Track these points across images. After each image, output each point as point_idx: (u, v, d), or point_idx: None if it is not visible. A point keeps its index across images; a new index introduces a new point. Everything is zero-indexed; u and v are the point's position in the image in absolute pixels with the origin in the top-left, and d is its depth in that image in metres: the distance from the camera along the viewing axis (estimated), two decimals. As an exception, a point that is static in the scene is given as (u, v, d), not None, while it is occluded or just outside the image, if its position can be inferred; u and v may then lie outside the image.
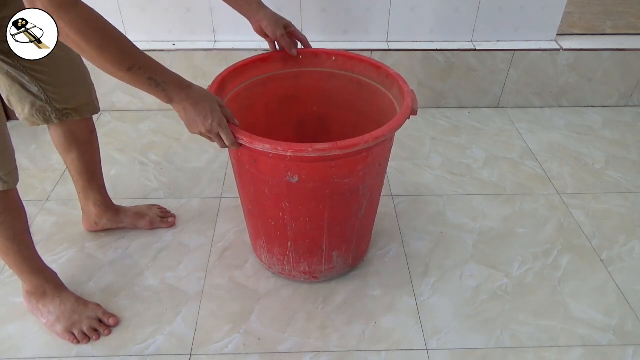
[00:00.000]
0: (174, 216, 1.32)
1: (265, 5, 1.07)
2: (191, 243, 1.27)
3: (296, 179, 0.90)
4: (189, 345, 1.03)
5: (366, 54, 1.66)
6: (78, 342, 1.02)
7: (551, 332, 1.07)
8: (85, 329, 1.03)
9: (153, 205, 1.32)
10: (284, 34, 1.07)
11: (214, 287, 1.15)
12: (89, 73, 1.08)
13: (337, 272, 1.16)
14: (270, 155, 0.86)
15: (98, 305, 1.08)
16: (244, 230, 1.27)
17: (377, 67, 1.08)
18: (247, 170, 0.95)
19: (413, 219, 1.35)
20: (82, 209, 1.25)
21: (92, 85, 1.10)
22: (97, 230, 1.28)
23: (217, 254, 1.24)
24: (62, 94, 1.01)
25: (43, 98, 0.99)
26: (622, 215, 1.38)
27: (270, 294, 1.14)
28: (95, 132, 1.16)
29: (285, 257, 1.10)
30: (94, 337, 1.03)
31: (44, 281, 1.03)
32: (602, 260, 1.24)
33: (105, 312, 1.07)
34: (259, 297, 1.13)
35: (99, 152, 1.19)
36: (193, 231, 1.30)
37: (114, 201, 1.28)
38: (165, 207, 1.35)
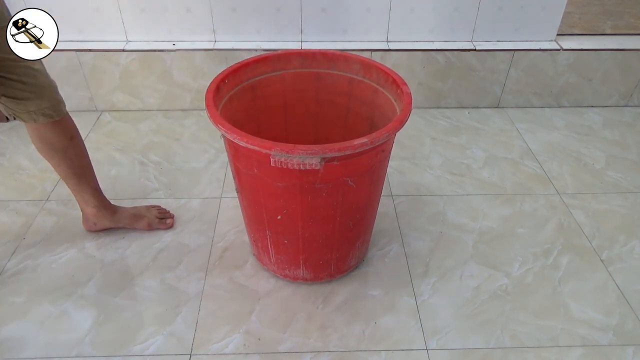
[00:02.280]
0: (172, 217, 1.32)
1: None
2: (191, 243, 1.27)
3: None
4: (189, 345, 1.03)
5: (366, 54, 1.68)
6: None
7: (551, 332, 1.07)
8: None
9: (152, 206, 1.32)
10: None
11: (214, 287, 1.15)
12: (46, 76, 1.01)
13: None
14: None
15: None
16: (244, 230, 1.27)
17: (368, 65, 1.08)
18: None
19: (413, 219, 1.35)
20: (80, 209, 1.25)
21: (54, 87, 1.03)
22: (97, 230, 1.28)
23: (217, 254, 1.24)
24: (7, 93, 0.96)
25: None
26: (622, 215, 1.38)
27: (270, 294, 1.14)
28: (77, 137, 1.12)
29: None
30: None
31: None
32: (602, 260, 1.24)
33: None
34: (259, 297, 1.13)
35: (86, 157, 1.16)
36: (193, 231, 1.30)
37: (114, 201, 1.27)
38: (165, 207, 1.35)
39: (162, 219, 1.29)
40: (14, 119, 1.02)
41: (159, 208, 1.32)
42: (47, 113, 1.02)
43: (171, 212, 1.34)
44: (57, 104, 1.04)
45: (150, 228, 1.28)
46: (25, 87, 0.96)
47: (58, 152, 1.10)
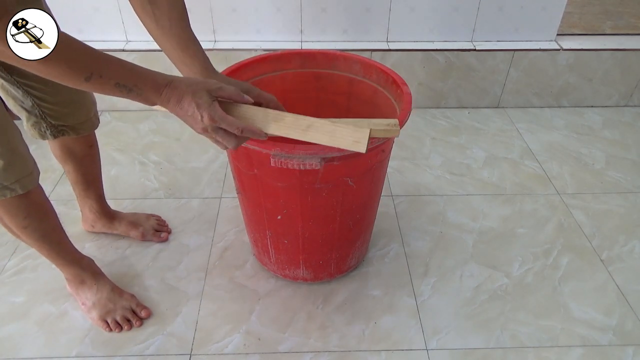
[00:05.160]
0: (168, 232, 1.29)
1: (217, 73, 0.88)
2: (191, 243, 1.27)
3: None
4: (189, 345, 1.03)
5: (366, 54, 1.68)
6: (111, 330, 1.05)
7: (551, 332, 1.07)
8: (118, 318, 1.05)
9: (152, 216, 1.30)
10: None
11: (214, 287, 1.15)
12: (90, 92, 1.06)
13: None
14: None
15: (133, 295, 1.10)
16: (244, 230, 1.27)
17: (368, 65, 1.08)
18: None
19: (413, 219, 1.35)
20: (80, 210, 1.25)
21: (93, 102, 1.07)
22: (95, 232, 1.28)
23: (217, 254, 1.24)
24: (58, 111, 0.99)
25: (37, 113, 0.97)
26: (622, 215, 1.38)
27: (270, 294, 1.14)
28: (96, 145, 1.15)
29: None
30: (126, 327, 1.05)
31: (81, 270, 1.06)
32: (602, 260, 1.24)
33: (139, 304, 1.09)
34: (259, 297, 1.13)
35: (99, 164, 1.18)
36: (193, 231, 1.30)
37: (115, 201, 1.27)
38: (165, 207, 1.35)
39: (157, 231, 1.27)
40: (55, 136, 1.04)
41: (158, 219, 1.30)
42: (94, 122, 1.08)
43: (169, 227, 1.31)
44: (96, 112, 1.10)
45: (144, 239, 1.26)
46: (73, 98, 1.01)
47: (76, 159, 1.12)
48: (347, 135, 0.75)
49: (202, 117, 0.71)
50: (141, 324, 1.06)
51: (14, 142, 0.84)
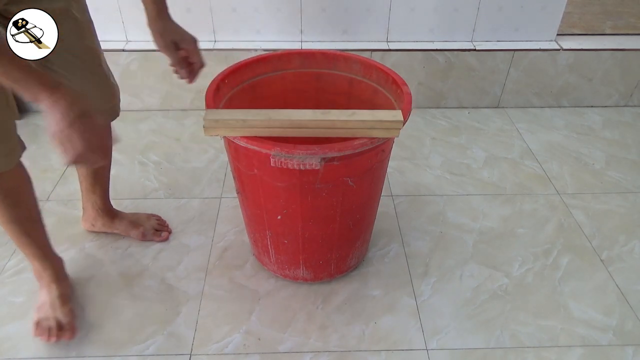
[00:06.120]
0: (169, 232, 1.29)
1: (166, 18, 0.99)
2: (191, 243, 1.27)
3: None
4: (189, 345, 1.03)
5: (366, 54, 1.68)
6: (39, 335, 1.02)
7: (551, 332, 1.07)
8: (51, 325, 1.03)
9: (152, 216, 1.30)
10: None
11: (214, 287, 1.15)
12: (109, 79, 1.05)
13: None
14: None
15: (72, 310, 1.06)
16: (244, 230, 1.27)
17: (368, 65, 1.08)
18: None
19: (413, 219, 1.35)
20: (82, 207, 1.25)
21: (114, 90, 1.07)
22: (95, 231, 1.28)
23: (217, 254, 1.24)
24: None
25: None
26: (622, 215, 1.38)
27: (270, 294, 1.14)
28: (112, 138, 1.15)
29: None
30: (52, 339, 1.01)
31: (42, 269, 1.06)
32: (602, 260, 1.24)
33: (71, 322, 1.04)
34: (259, 297, 1.13)
35: (109, 159, 1.18)
36: (193, 231, 1.30)
37: (115, 201, 1.27)
38: (165, 207, 1.35)
39: (157, 231, 1.27)
40: None
41: (158, 219, 1.30)
42: (116, 110, 1.10)
43: (169, 227, 1.31)
44: (119, 102, 1.10)
45: (144, 239, 1.26)
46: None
47: None
48: (386, 113, 0.87)
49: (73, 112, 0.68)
50: (68, 339, 1.02)
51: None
